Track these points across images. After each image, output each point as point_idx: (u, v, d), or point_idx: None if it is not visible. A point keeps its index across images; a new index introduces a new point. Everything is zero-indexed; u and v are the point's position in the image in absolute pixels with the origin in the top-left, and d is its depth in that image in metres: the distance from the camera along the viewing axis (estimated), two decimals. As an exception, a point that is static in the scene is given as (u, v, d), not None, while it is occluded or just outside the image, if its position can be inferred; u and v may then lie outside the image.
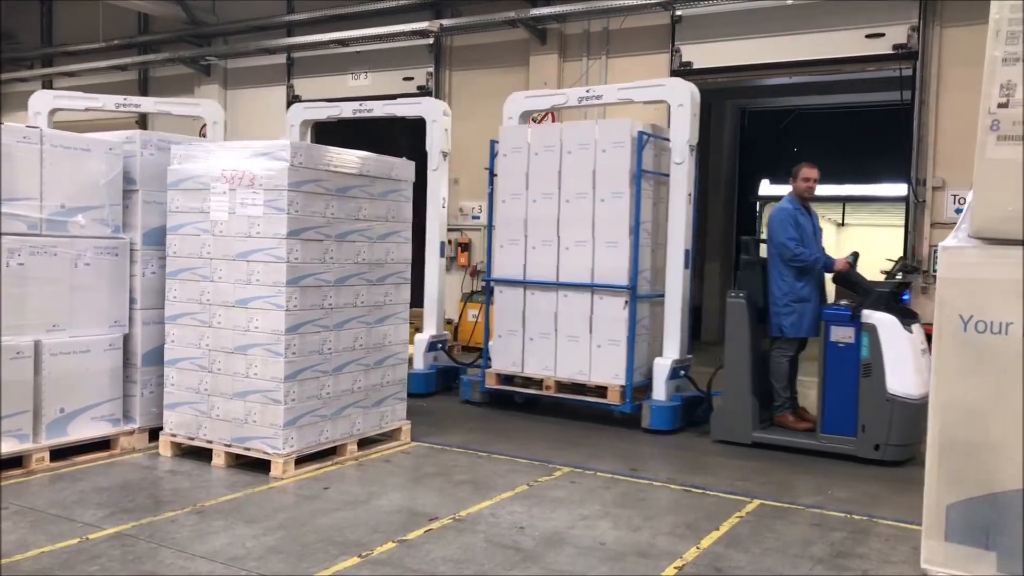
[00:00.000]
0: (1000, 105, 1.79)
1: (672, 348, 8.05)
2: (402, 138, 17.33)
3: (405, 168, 7.04)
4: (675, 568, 4.51)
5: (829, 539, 5.00)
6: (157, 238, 6.71)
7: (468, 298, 13.24)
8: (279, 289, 5.93)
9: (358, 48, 14.27)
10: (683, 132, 8.02)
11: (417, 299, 12.41)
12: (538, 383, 8.32)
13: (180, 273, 6.41)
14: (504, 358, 8.55)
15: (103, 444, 6.51)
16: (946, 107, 10.23)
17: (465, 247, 13.68)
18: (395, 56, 14.15)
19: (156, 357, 6.69)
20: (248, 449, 6.11)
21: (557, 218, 8.22)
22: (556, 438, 7.52)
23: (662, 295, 8.16)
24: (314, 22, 14.32)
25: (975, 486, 1.82)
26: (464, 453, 6.85)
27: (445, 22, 12.85)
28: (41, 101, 11.07)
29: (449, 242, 13.91)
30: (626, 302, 7.84)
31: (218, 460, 6.22)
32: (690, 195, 8.06)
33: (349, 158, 6.46)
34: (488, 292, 8.84)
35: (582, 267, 8.08)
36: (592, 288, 8.01)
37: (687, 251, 8.08)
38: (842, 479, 6.38)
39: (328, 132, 13.96)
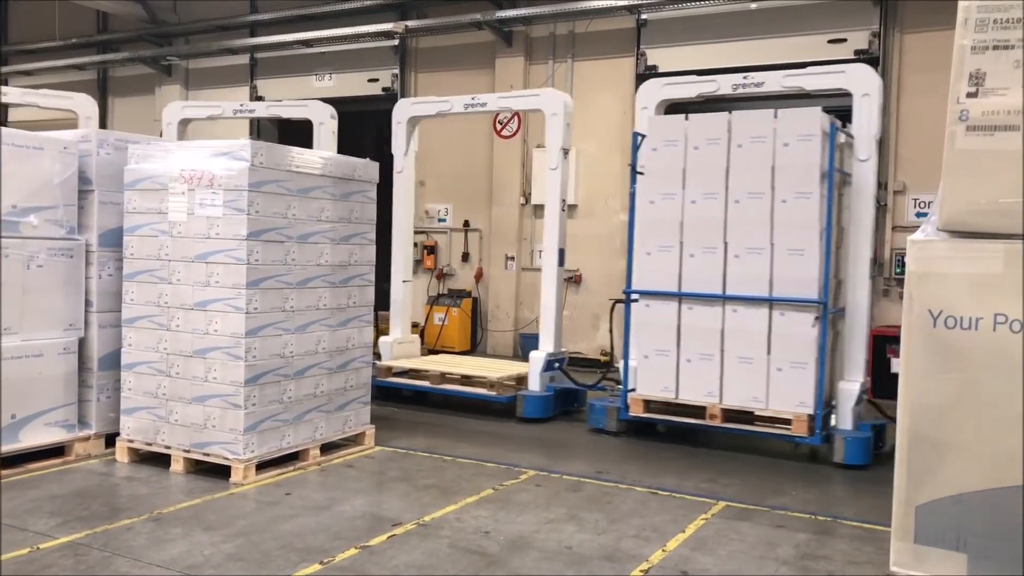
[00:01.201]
0: (969, 95, 1.77)
1: (856, 370, 7.16)
2: (367, 139, 17.22)
3: (368, 169, 6.96)
4: (641, 571, 4.48)
5: (795, 540, 5.01)
6: (114, 239, 6.56)
7: (434, 301, 13.16)
8: (239, 291, 5.82)
9: (322, 49, 14.15)
10: (869, 125, 7.15)
11: (385, 302, 12.31)
12: (696, 410, 7.23)
13: (137, 275, 6.27)
14: (652, 382, 7.40)
15: (57, 451, 6.33)
16: (906, 112, 10.37)
17: (431, 250, 13.60)
18: (360, 57, 14.05)
19: (113, 361, 6.53)
20: (207, 455, 5.98)
21: (723, 221, 7.09)
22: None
23: (843, 309, 7.28)
24: (278, 22, 14.18)
25: (945, 486, 1.80)
26: (429, 457, 6.77)
27: (411, 24, 12.78)
28: (172, 112, 11.06)
29: (415, 245, 13.84)
30: (816, 318, 6.72)
31: (176, 466, 6.08)
32: (874, 197, 7.35)
33: (311, 158, 6.37)
34: (626, 305, 7.90)
35: (757, 278, 6.95)
36: (771, 302, 6.89)
37: (873, 259, 7.32)
38: (805, 479, 6.40)
39: (293, 133, 13.79)
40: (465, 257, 13.39)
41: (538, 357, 8.57)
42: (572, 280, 12.39)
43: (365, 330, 6.95)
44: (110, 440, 6.52)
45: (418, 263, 13.73)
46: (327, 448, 6.63)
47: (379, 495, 5.79)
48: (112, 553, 4.51)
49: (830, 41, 10.61)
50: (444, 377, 8.81)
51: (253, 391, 5.89)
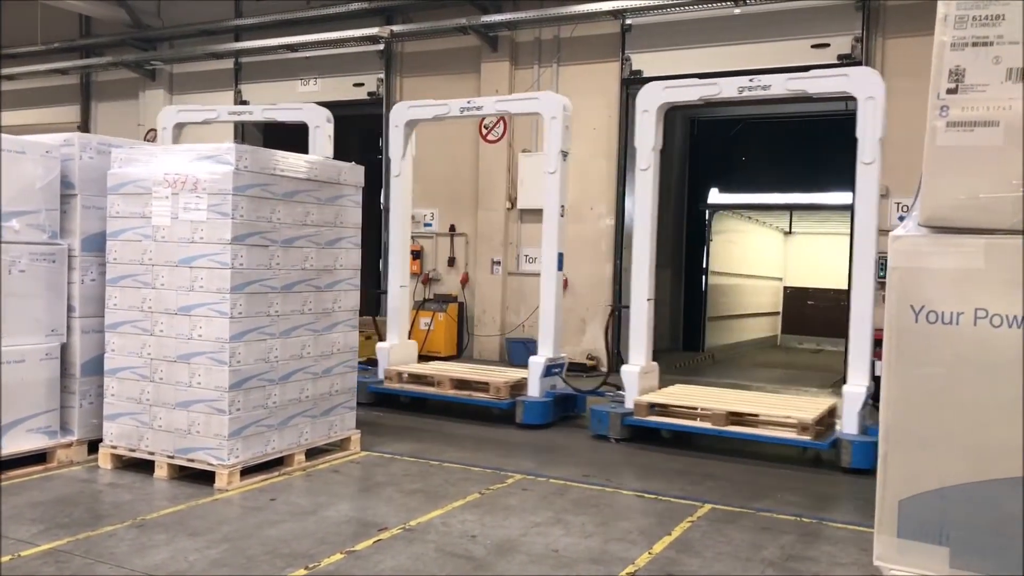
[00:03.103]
0: (949, 91, 1.78)
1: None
2: (353, 143, 17.18)
3: (353, 173, 6.94)
4: (627, 574, 4.48)
5: (779, 542, 5.02)
6: (97, 244, 6.51)
7: (420, 306, 13.13)
8: (223, 296, 5.79)
9: (308, 54, 14.13)
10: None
11: (371, 307, 12.29)
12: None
13: (121, 280, 6.22)
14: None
15: (39, 457, 6.27)
16: (889, 116, 10.40)
17: (417, 254, 13.58)
18: (345, 62, 14.03)
19: (96, 367, 6.48)
20: (192, 460, 5.94)
21: None
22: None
23: None
24: (262, 27, 14.15)
25: (928, 480, 1.81)
26: (415, 462, 6.75)
27: (396, 28, 12.78)
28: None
29: (400, 249, 13.78)
30: None
31: (160, 472, 6.03)
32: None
33: (296, 162, 6.35)
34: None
35: None
36: None
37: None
38: (792, 482, 6.42)
39: (277, 137, 13.74)
40: (451, 262, 13.38)
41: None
42: (558, 284, 12.38)
43: (350, 334, 6.93)
44: (93, 446, 6.46)
45: (404, 268, 13.71)
46: (312, 453, 6.60)
47: (365, 500, 5.77)
48: (95, 560, 4.47)
49: (813, 46, 10.69)
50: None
51: (238, 396, 5.85)
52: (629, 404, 7.74)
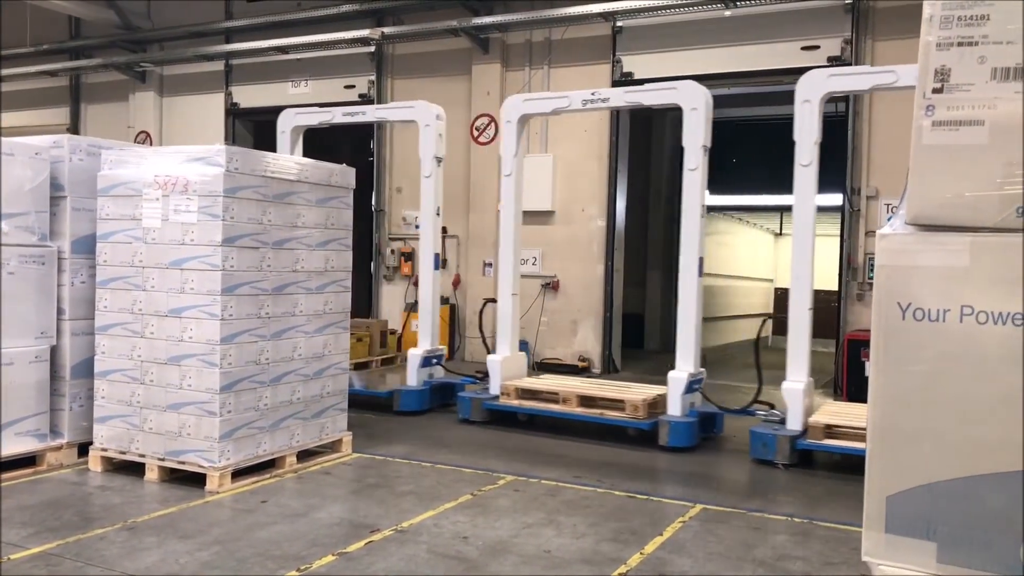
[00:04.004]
0: (935, 91, 1.80)
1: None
2: (345, 146, 17.17)
3: (345, 175, 6.94)
4: (619, 574, 4.48)
5: (771, 542, 5.04)
6: (87, 246, 6.49)
7: (412, 308, 13.12)
8: (214, 298, 5.78)
9: (298, 56, 14.11)
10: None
11: (362, 309, 12.28)
12: None
13: (111, 282, 6.21)
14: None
15: (29, 460, 6.24)
16: (879, 118, 10.50)
17: (408, 256, 13.57)
18: (336, 64, 14.02)
19: (86, 369, 6.45)
20: (182, 463, 5.92)
21: None
22: None
23: None
24: (253, 29, 14.13)
25: (915, 476, 1.83)
26: (407, 463, 6.75)
27: (387, 30, 12.78)
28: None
29: (391, 251, 13.82)
30: None
31: (151, 475, 6.01)
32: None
33: (287, 164, 6.34)
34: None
35: None
36: None
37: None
38: (782, 483, 6.45)
39: (268, 138, 13.71)
40: (443, 263, 13.36)
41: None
42: (550, 286, 12.41)
43: (341, 336, 6.92)
44: (83, 449, 6.44)
45: (395, 270, 13.72)
46: (304, 455, 6.59)
47: (356, 502, 5.76)
48: (85, 563, 4.45)
49: (804, 48, 10.73)
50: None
51: (228, 398, 5.84)
52: (795, 425, 7.07)
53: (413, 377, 9.04)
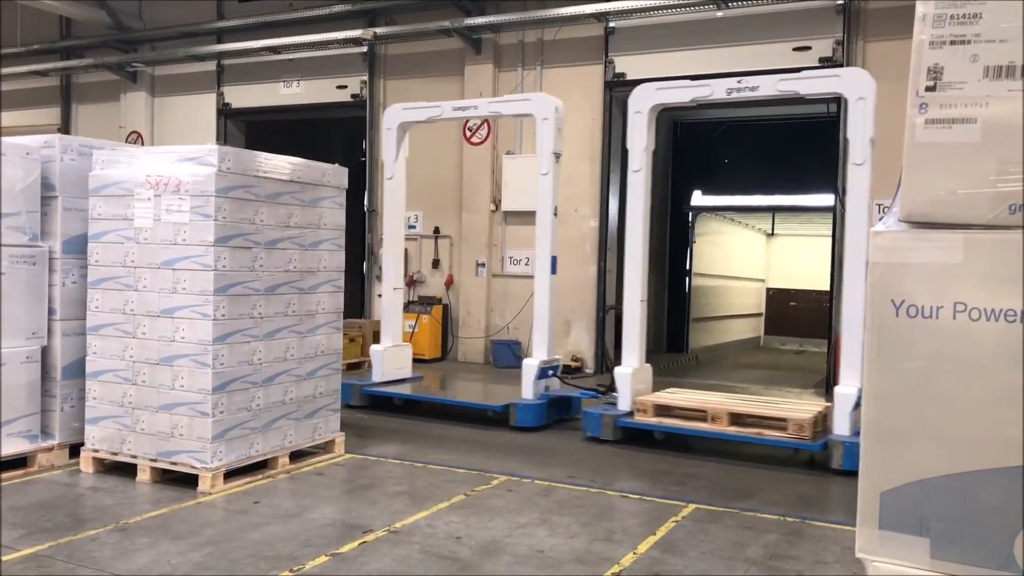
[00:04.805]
0: (928, 89, 1.82)
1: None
2: (336, 145, 17.15)
3: (337, 174, 6.93)
4: (612, 573, 4.49)
5: (763, 541, 5.05)
6: (78, 246, 6.46)
7: (404, 308, 13.10)
8: (206, 298, 5.76)
9: (290, 56, 14.09)
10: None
11: (355, 310, 12.26)
12: None
13: (103, 282, 6.18)
14: None
15: (20, 462, 6.20)
16: (870, 119, 10.51)
17: (401, 257, 13.54)
18: (328, 64, 14.01)
19: (77, 370, 6.43)
20: (175, 464, 5.90)
21: None
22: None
23: None
24: (245, 29, 14.11)
25: (908, 472, 1.84)
26: (400, 464, 6.74)
27: (379, 30, 12.77)
28: (392, 116, 9.69)
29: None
30: None
31: (143, 475, 5.99)
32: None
33: (280, 164, 6.33)
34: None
35: None
36: None
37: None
38: (774, 483, 6.46)
39: (261, 138, 13.70)
40: (435, 264, 13.37)
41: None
42: (542, 286, 12.40)
43: (334, 336, 6.91)
44: (74, 450, 6.41)
45: (388, 270, 13.69)
46: (296, 456, 6.58)
47: (349, 502, 5.75)
48: (77, 564, 4.43)
49: (795, 49, 10.77)
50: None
51: (221, 399, 5.83)
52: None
53: (529, 390, 8.31)
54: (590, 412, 7.73)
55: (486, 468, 6.62)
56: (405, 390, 9.20)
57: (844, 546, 4.92)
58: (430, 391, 9.63)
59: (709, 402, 7.50)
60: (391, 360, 9.42)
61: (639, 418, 7.52)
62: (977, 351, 1.79)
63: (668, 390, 8.28)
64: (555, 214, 8.62)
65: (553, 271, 8.61)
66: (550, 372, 8.52)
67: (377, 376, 9.33)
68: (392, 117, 9.54)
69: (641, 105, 8.02)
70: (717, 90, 7.79)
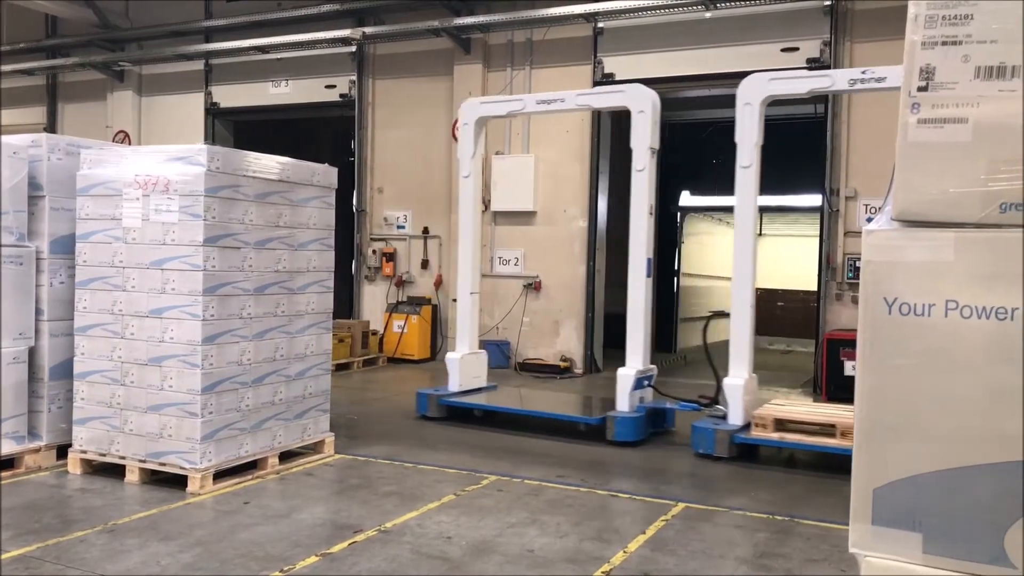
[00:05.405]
0: (920, 89, 1.84)
1: None
2: (325, 144, 17.11)
3: (327, 174, 6.92)
4: (603, 572, 4.50)
5: (753, 540, 5.07)
6: (66, 246, 6.42)
7: (393, 308, 13.11)
8: (195, 298, 5.74)
9: (279, 55, 14.05)
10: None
11: (343, 310, 12.22)
12: None
13: (91, 282, 6.15)
14: None
15: (6, 463, 6.16)
16: (857, 120, 10.60)
17: (390, 257, 13.55)
18: (317, 64, 13.98)
19: (64, 371, 6.39)
20: (163, 464, 5.88)
21: None
22: None
23: None
24: (233, 28, 14.06)
25: (901, 468, 1.86)
26: (390, 464, 6.73)
27: (368, 30, 12.75)
28: (470, 110, 9.09)
29: (373, 252, 13.78)
30: None
31: (132, 476, 5.96)
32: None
33: (269, 163, 6.31)
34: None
35: None
36: None
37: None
38: (764, 482, 6.49)
39: (249, 137, 13.65)
40: (425, 264, 13.36)
41: None
42: (532, 287, 12.43)
43: (324, 337, 6.90)
44: (62, 451, 6.37)
45: (377, 270, 13.68)
46: (286, 456, 6.56)
47: (339, 503, 5.74)
48: (65, 565, 4.41)
49: (783, 49, 10.82)
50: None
51: (210, 399, 5.81)
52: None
53: (625, 401, 7.73)
54: (701, 427, 7.18)
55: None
56: (482, 400, 8.71)
57: (833, 544, 4.94)
58: (512, 401, 9.06)
59: (837, 416, 6.96)
60: (467, 368, 8.86)
61: (758, 433, 6.98)
62: (969, 348, 1.81)
63: (773, 402, 7.88)
64: (651, 213, 8.02)
65: (648, 274, 8.00)
66: (645, 382, 7.99)
67: (454, 385, 8.76)
68: (469, 112, 8.96)
69: (752, 97, 7.50)
70: (839, 81, 7.42)
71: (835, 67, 10.48)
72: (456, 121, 12.66)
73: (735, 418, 7.25)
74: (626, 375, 7.80)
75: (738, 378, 7.37)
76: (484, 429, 8.14)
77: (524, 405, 8.98)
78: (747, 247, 7.68)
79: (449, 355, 8.99)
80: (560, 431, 8.04)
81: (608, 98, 8.67)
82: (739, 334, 7.55)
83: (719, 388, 7.59)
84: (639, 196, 7.99)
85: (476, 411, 8.56)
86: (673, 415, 8.16)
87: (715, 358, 8.05)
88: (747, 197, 7.66)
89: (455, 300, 8.81)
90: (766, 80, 7.52)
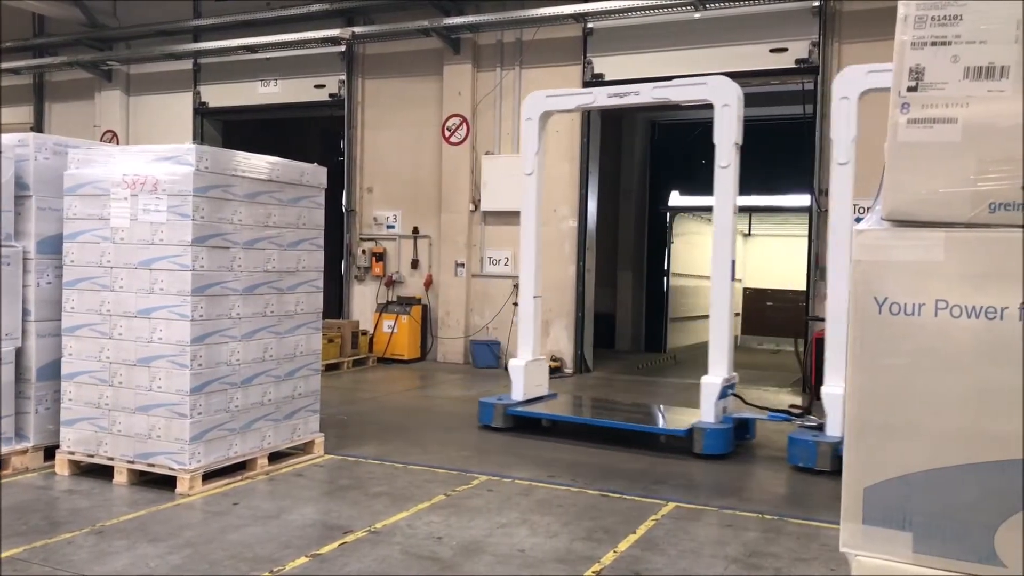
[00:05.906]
0: (910, 89, 1.85)
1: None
2: (314, 143, 17.07)
3: (316, 174, 6.90)
4: (594, 572, 4.50)
5: (743, 539, 5.09)
6: (53, 246, 6.38)
7: (383, 309, 13.08)
8: (184, 298, 5.71)
9: (268, 55, 14.01)
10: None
11: (332, 310, 12.19)
12: None
13: (78, 283, 6.11)
14: None
15: (-7, 464, 6.13)
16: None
17: (380, 257, 13.53)
18: (306, 63, 13.94)
19: (52, 371, 6.35)
20: (152, 465, 5.85)
21: None
22: None
23: None
24: (222, 27, 14.00)
25: (891, 468, 1.87)
26: (380, 465, 6.72)
27: (357, 30, 12.73)
28: (534, 105, 8.62)
29: (363, 252, 13.75)
30: None
31: (120, 478, 5.93)
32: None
33: (258, 163, 6.29)
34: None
35: None
36: None
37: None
38: (757, 481, 6.51)
39: (238, 137, 13.61)
40: (415, 264, 13.34)
41: None
42: (522, 286, 12.41)
43: (313, 337, 6.88)
44: (50, 453, 6.33)
45: (366, 270, 13.66)
46: (275, 457, 6.54)
47: (329, 503, 5.73)
48: (53, 567, 4.38)
49: (772, 50, 10.85)
50: None
51: (199, 400, 5.78)
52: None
53: (710, 412, 7.30)
54: (799, 439, 6.79)
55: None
56: (545, 409, 8.29)
57: None
58: (583, 411, 8.72)
59: None
60: (531, 376, 8.44)
61: None
62: (958, 348, 1.82)
63: None
64: (735, 212, 7.65)
65: (732, 277, 7.62)
66: (729, 391, 7.54)
67: (518, 394, 8.34)
68: (533, 106, 8.53)
69: (849, 90, 7.06)
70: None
71: (824, 68, 10.54)
72: (445, 120, 12.70)
73: (835, 429, 6.78)
74: (711, 383, 7.37)
75: (836, 387, 6.83)
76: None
77: (595, 415, 8.41)
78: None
79: (512, 362, 8.49)
80: (634, 442, 7.59)
81: (689, 91, 8.05)
82: (833, 340, 7.11)
83: (813, 397, 7.14)
84: (724, 194, 7.56)
85: (544, 421, 8.11)
86: (754, 425, 7.79)
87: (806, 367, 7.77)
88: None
89: (517, 304, 8.33)
90: (864, 72, 7.04)
